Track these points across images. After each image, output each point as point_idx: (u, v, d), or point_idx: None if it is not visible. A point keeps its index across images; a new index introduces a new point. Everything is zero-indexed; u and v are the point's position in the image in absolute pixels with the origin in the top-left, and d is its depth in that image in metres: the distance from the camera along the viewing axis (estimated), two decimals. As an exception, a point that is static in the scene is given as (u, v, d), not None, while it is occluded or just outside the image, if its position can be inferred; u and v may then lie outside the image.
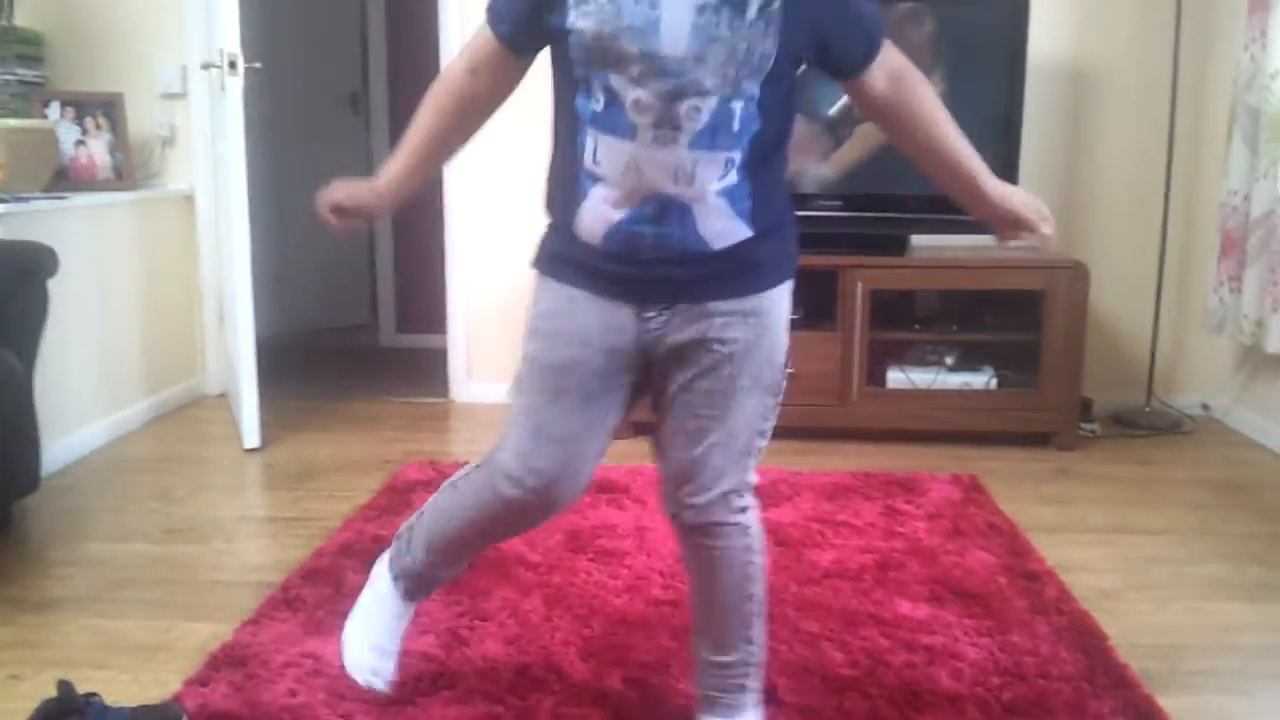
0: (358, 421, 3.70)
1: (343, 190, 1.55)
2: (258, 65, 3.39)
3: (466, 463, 3.19)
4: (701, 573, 1.60)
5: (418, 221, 4.73)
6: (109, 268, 3.45)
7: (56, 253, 2.68)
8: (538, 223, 1.54)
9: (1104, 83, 3.70)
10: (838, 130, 3.39)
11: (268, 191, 4.37)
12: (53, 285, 2.69)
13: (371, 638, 1.71)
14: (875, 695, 1.83)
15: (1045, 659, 1.96)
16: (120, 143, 3.71)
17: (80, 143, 3.65)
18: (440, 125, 1.52)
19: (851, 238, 3.42)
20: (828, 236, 3.38)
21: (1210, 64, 3.65)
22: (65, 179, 3.58)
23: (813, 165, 3.43)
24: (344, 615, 2.08)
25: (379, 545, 2.46)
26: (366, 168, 1.59)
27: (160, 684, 1.86)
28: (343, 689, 1.82)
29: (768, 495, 2.81)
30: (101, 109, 3.69)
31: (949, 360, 3.48)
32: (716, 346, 1.46)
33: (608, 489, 2.80)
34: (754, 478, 1.55)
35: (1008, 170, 3.34)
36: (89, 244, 3.33)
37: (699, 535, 1.55)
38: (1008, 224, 1.53)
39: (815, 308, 3.38)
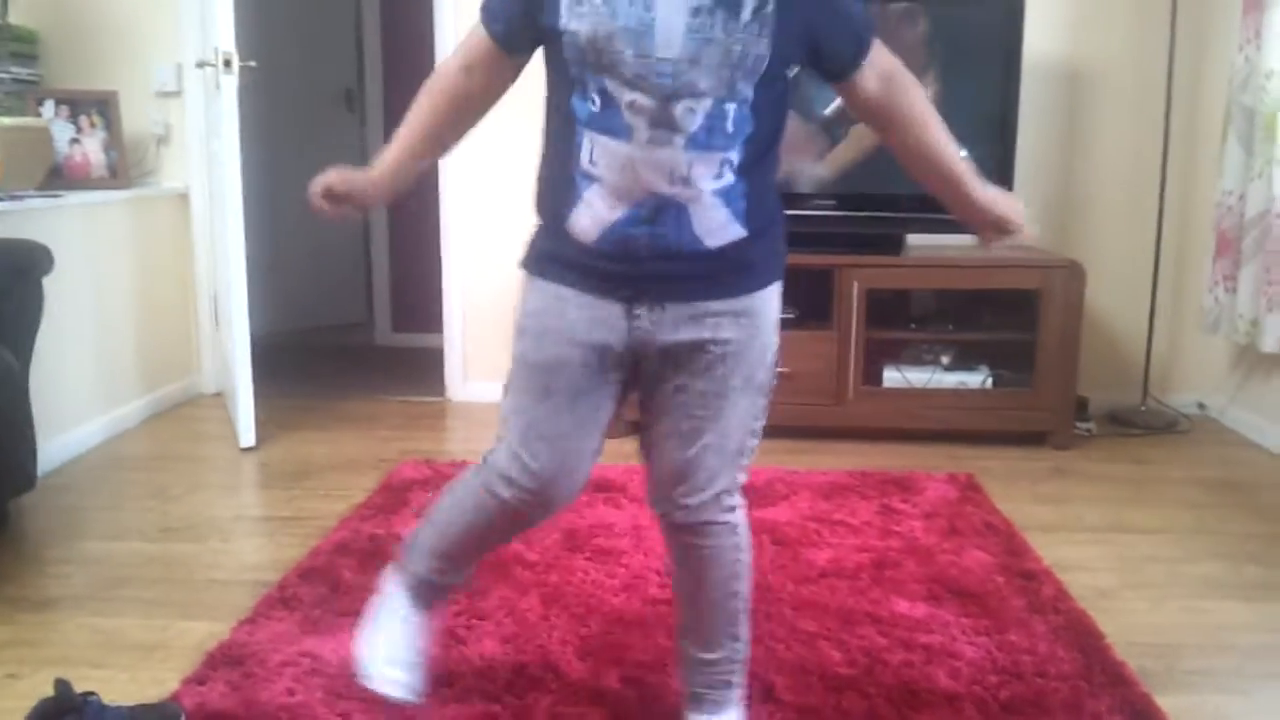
0: (353, 420, 3.70)
1: (336, 174, 1.55)
2: (252, 64, 3.39)
3: (464, 462, 3.22)
4: (690, 571, 1.60)
5: (414, 220, 4.73)
6: (104, 266, 3.44)
7: (51, 251, 2.68)
8: (533, 222, 1.54)
9: (1099, 83, 3.71)
10: (833, 130, 3.40)
11: (263, 190, 4.36)
12: (48, 283, 2.68)
13: (389, 650, 1.68)
14: (873, 694, 1.83)
15: (1042, 658, 1.96)
16: (115, 141, 3.70)
17: (75, 141, 3.65)
18: (434, 122, 1.53)
19: (847, 237, 3.43)
20: (823, 236, 3.38)
21: (1205, 64, 3.66)
22: (60, 177, 3.57)
23: (808, 165, 3.43)
24: (341, 614, 2.10)
25: (375, 544, 2.46)
26: (361, 166, 1.59)
27: (158, 683, 1.86)
28: (340, 688, 1.82)
29: (764, 494, 2.82)
30: (96, 107, 3.68)
31: (945, 359, 3.48)
32: (711, 347, 1.46)
33: (605, 488, 2.80)
34: (744, 477, 1.56)
35: (1003, 170, 3.35)
36: (84, 242, 3.32)
37: (690, 535, 1.55)
38: (991, 227, 1.54)
39: (811, 307, 3.38)
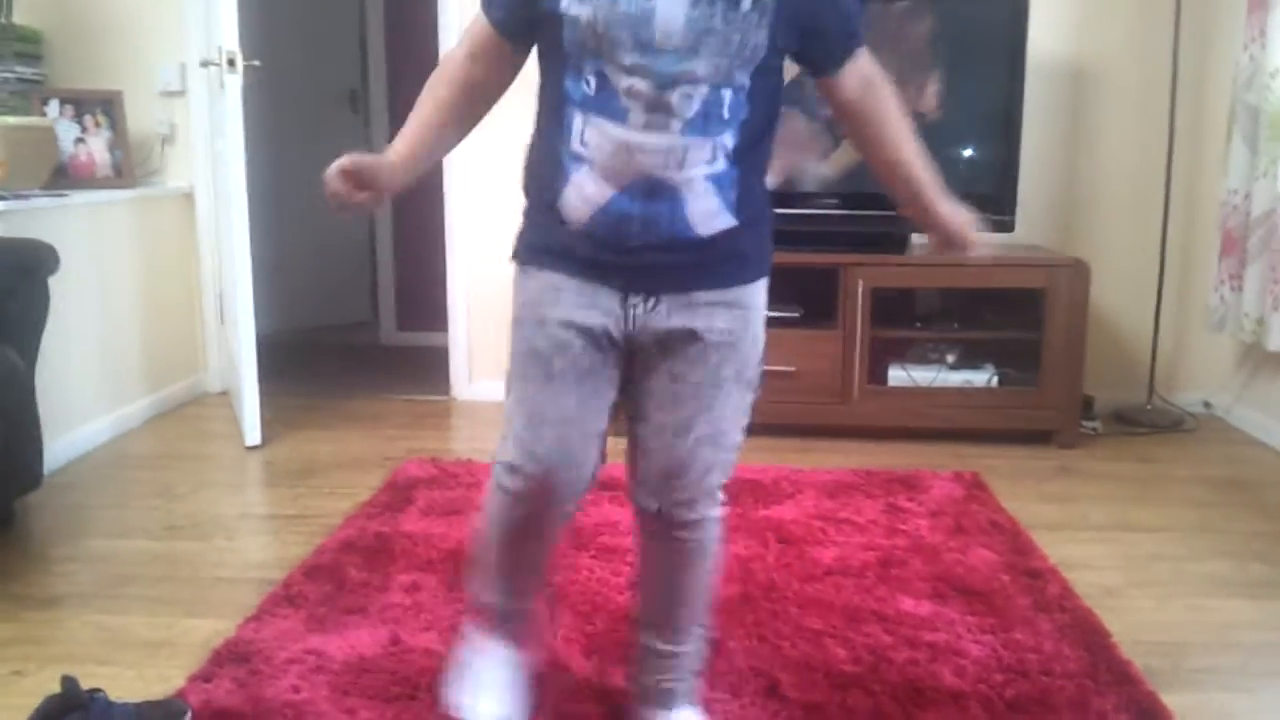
0: (359, 419, 3.70)
1: (354, 156, 1.41)
2: (257, 63, 3.39)
3: (469, 460, 3.22)
4: (671, 563, 1.60)
5: (418, 219, 4.74)
6: (109, 265, 3.44)
7: (56, 250, 2.68)
8: (522, 210, 1.53)
9: (1104, 81, 3.70)
10: (837, 129, 3.39)
11: (267, 189, 4.37)
12: (53, 283, 2.68)
13: (484, 693, 1.68)
14: (878, 692, 1.83)
15: (1048, 656, 1.96)
16: (120, 140, 3.70)
17: (79, 140, 3.65)
18: (443, 113, 1.49)
19: (852, 236, 3.43)
20: (828, 235, 3.38)
21: (1210, 62, 3.65)
22: (65, 177, 3.58)
23: (813, 163, 3.43)
24: (346, 611, 2.10)
25: (380, 542, 2.47)
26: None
27: (164, 680, 1.86)
28: (346, 684, 1.82)
29: (770, 492, 2.82)
30: (101, 107, 3.68)
31: (950, 358, 3.48)
32: (705, 335, 1.46)
33: (609, 486, 2.77)
34: (732, 472, 1.56)
35: (1008, 168, 3.35)
36: (89, 242, 3.32)
37: (681, 528, 1.55)
38: (943, 240, 1.56)
39: (816, 306, 3.38)
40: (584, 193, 1.40)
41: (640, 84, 1.33)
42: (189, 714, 1.71)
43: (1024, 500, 2.85)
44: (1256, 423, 3.53)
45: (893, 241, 3.49)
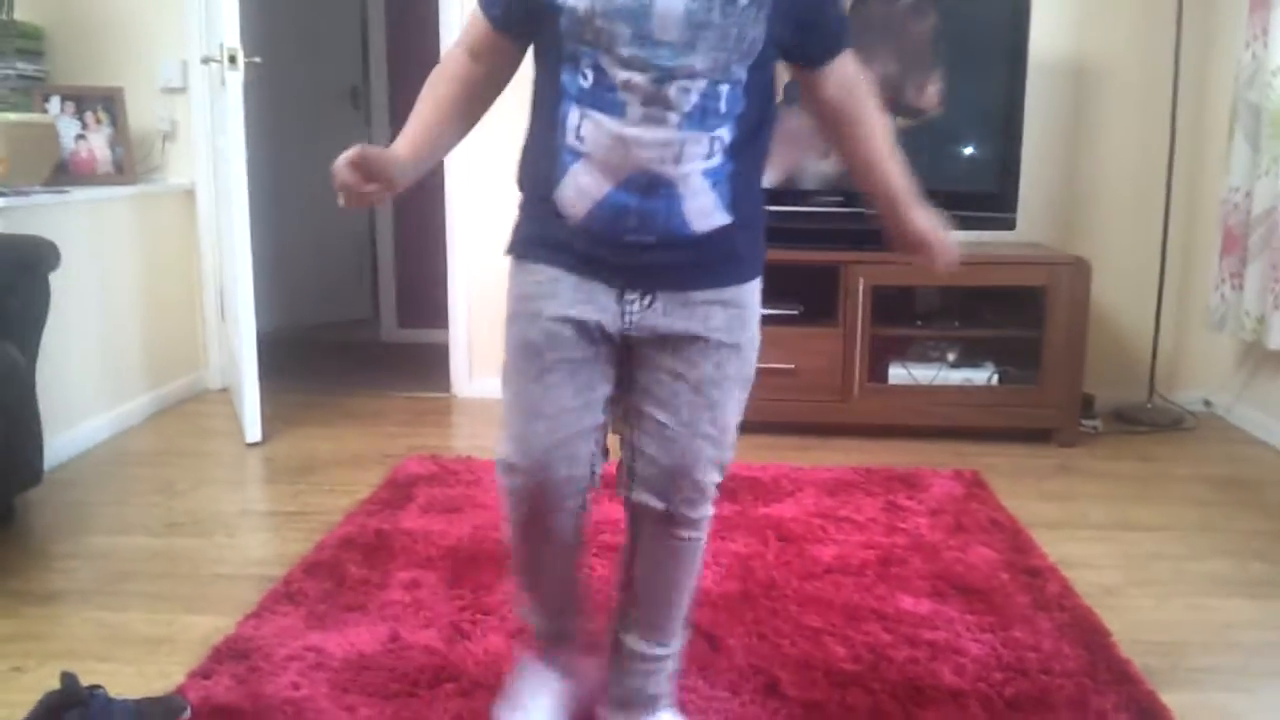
0: (359, 416, 3.70)
1: (364, 147, 1.37)
2: (258, 60, 3.39)
3: (469, 457, 3.22)
4: (670, 563, 1.60)
5: (419, 216, 4.74)
6: (110, 262, 3.44)
7: (57, 247, 2.68)
8: (517, 203, 1.53)
9: (1105, 79, 3.70)
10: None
11: (268, 186, 4.37)
12: (54, 279, 2.69)
13: (525, 718, 1.68)
14: (878, 690, 1.83)
15: (1047, 655, 1.96)
16: (121, 137, 3.70)
17: (80, 137, 3.65)
18: (442, 111, 1.48)
19: (853, 233, 3.41)
20: (829, 232, 3.37)
21: (1211, 61, 3.65)
22: (65, 173, 3.58)
23: (813, 161, 3.43)
24: (346, 608, 2.10)
25: (380, 539, 2.47)
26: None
27: (164, 676, 1.87)
28: (345, 681, 1.82)
29: (770, 490, 2.82)
30: (102, 103, 3.68)
31: (950, 356, 3.48)
32: (703, 334, 1.46)
33: (610, 484, 2.79)
34: (728, 470, 1.57)
35: (1009, 166, 3.34)
36: (90, 238, 3.32)
37: (683, 527, 1.56)
38: (912, 246, 1.55)
39: (816, 304, 3.38)
40: (581, 187, 1.40)
41: (638, 77, 1.33)
42: (188, 710, 1.71)
43: (1024, 499, 2.85)
44: (1257, 421, 3.53)
45: (893, 239, 3.49)
